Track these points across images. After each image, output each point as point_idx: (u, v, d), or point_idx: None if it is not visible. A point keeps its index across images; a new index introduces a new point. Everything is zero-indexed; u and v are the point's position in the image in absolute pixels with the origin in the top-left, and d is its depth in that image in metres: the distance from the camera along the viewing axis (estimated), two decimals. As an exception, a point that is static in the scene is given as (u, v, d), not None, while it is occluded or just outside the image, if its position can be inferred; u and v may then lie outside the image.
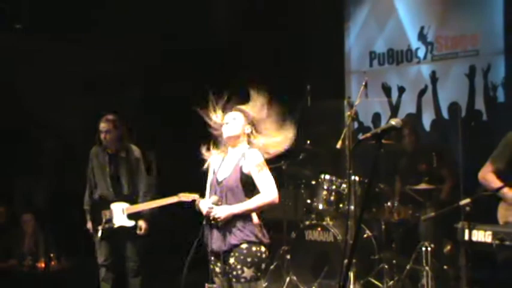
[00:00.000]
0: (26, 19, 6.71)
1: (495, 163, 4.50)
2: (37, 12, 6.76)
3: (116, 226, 5.25)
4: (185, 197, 4.99)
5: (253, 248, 3.80)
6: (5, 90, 6.35)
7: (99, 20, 6.89)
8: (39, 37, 6.71)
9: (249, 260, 3.78)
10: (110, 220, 5.25)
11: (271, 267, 6.20)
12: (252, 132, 3.95)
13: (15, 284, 6.40)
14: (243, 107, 3.97)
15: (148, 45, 7.42)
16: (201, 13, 7.54)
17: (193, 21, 7.50)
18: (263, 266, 3.88)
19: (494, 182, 4.45)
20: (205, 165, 4.04)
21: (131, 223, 5.24)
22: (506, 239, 3.55)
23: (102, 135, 5.30)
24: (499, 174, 4.53)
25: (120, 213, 5.25)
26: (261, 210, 3.93)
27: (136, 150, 5.45)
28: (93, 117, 5.70)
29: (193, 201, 4.55)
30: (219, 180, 3.92)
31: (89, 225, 5.39)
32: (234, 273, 3.81)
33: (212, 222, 3.82)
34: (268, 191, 3.84)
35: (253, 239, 3.82)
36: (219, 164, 4.00)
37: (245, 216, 3.84)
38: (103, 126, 5.29)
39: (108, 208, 5.27)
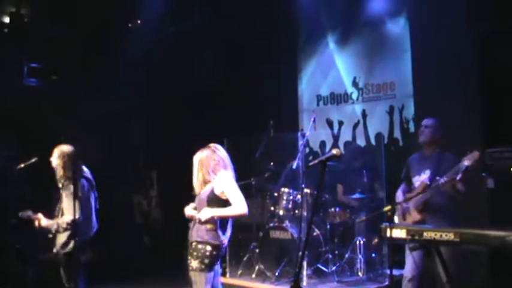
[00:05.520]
0: (60, 72, 6.74)
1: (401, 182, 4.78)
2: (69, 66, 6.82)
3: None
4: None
5: (199, 246, 3.91)
6: (44, 126, 6.36)
7: (114, 72, 6.99)
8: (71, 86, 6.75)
9: (195, 254, 3.91)
10: None
11: (245, 258, 6.20)
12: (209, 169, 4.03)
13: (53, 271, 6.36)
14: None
15: (149, 88, 7.46)
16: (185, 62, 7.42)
17: (179, 68, 7.42)
18: (206, 261, 3.89)
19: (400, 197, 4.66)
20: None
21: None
22: (415, 235, 3.72)
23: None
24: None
25: None
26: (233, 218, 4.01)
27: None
28: (114, 143, 5.50)
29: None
30: (197, 194, 4.08)
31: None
32: (187, 261, 3.96)
33: (197, 220, 3.93)
34: (238, 205, 3.92)
35: (200, 240, 3.92)
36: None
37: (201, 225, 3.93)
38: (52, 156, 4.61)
39: None
